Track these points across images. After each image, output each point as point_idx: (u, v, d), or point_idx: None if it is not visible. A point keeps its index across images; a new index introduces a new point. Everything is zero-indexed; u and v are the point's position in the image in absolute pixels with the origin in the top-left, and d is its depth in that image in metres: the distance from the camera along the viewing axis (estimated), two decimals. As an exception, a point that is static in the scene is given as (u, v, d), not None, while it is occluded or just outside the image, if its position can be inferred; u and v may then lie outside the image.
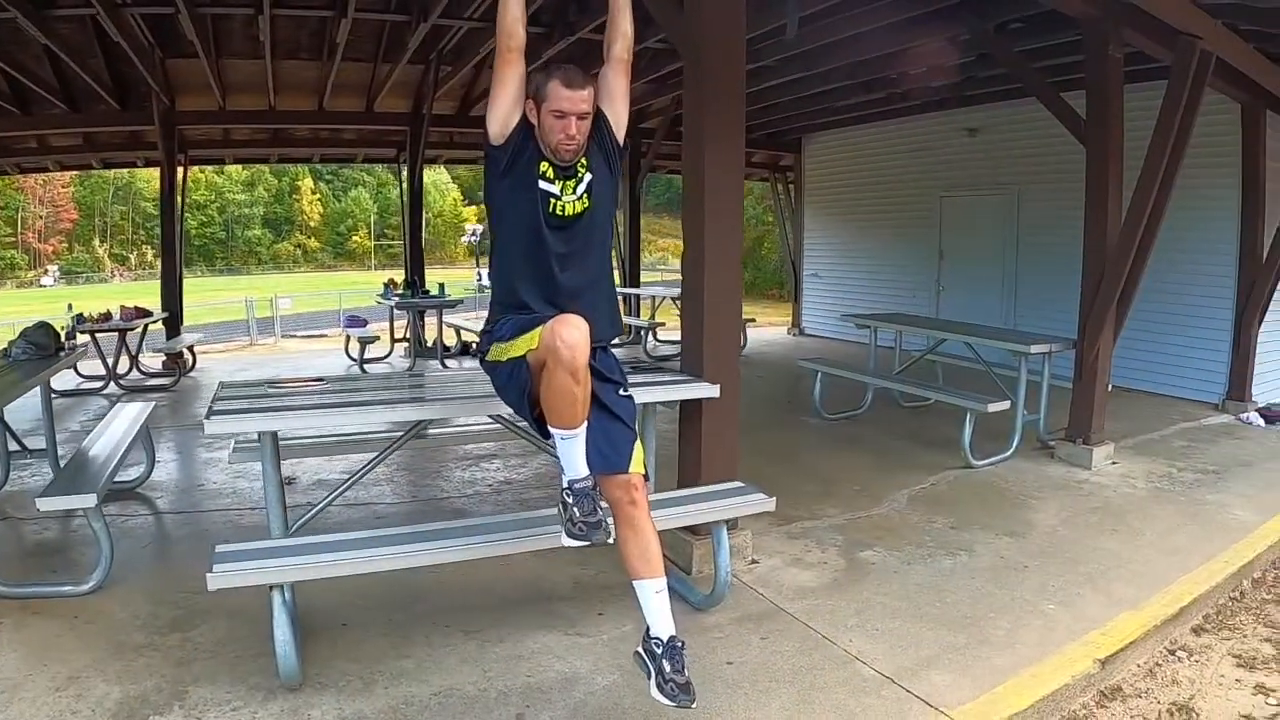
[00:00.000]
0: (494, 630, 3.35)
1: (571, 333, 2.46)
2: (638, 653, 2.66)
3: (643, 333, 12.84)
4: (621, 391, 2.83)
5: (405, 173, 12.61)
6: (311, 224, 72.09)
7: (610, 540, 2.61)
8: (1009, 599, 3.95)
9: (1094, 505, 5.47)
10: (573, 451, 2.61)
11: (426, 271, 12.89)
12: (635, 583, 2.69)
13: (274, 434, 3.16)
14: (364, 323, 11.79)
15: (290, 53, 8.61)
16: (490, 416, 3.68)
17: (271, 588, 2.81)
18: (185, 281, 11.42)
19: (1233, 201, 8.63)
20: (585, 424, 2.60)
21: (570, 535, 2.61)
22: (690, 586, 3.77)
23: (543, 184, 2.72)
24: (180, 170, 11.09)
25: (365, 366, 10.20)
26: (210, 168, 48.77)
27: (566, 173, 2.75)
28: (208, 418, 2.96)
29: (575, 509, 2.59)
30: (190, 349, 10.23)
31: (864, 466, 6.16)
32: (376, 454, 3.66)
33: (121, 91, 9.51)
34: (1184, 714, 3.27)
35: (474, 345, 3.01)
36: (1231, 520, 5.26)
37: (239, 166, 60.33)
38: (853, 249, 13.89)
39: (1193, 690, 3.46)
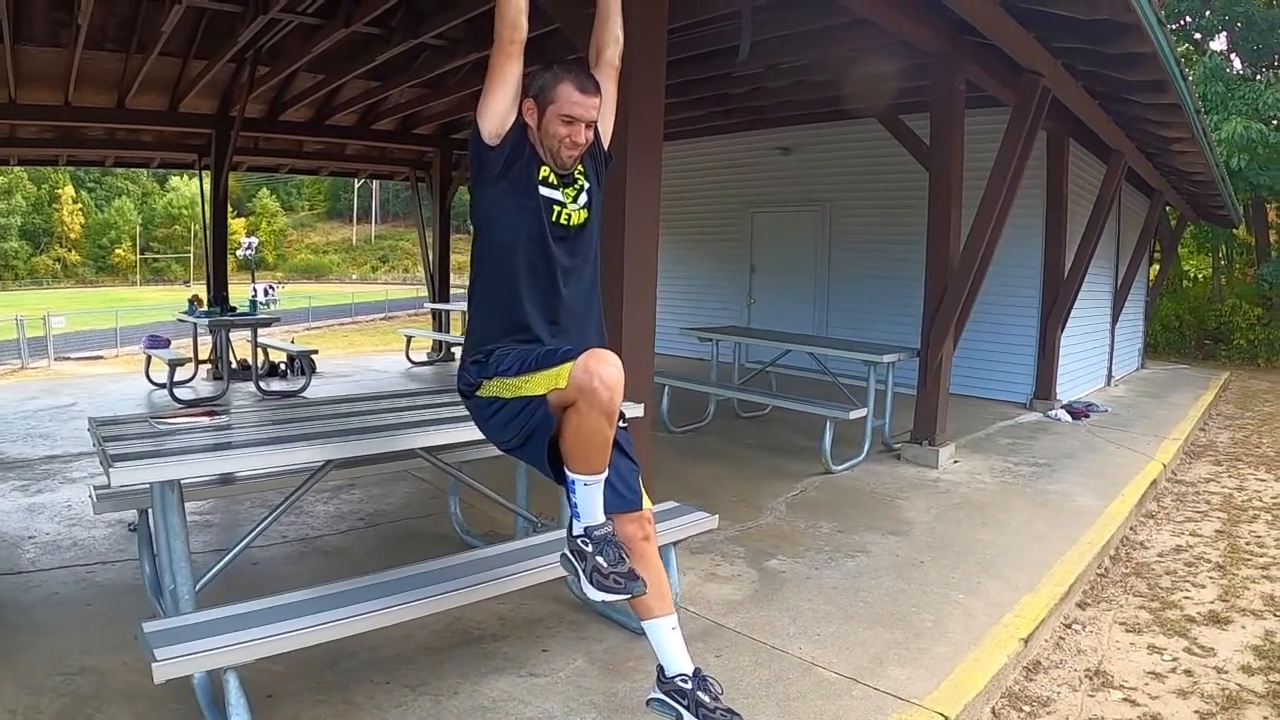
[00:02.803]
0: (440, 682, 3.04)
1: (611, 372, 2.24)
2: (657, 699, 2.50)
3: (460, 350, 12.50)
4: (621, 422, 2.62)
5: (208, 179, 11.56)
6: (72, 236, 65.79)
7: (646, 590, 2.40)
8: (921, 593, 4.15)
9: (955, 502, 5.81)
10: (593, 497, 2.39)
11: (199, 287, 11.83)
12: (648, 623, 2.53)
13: (179, 482, 2.71)
14: (167, 343, 10.72)
15: (95, 42, 7.67)
16: (420, 451, 3.36)
17: (226, 671, 2.39)
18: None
19: (1039, 221, 9.44)
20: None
21: (600, 588, 2.35)
22: (627, 614, 3.59)
23: (545, 190, 2.49)
24: None
25: (175, 391, 9.28)
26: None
27: (566, 180, 2.54)
28: (111, 465, 2.46)
29: (599, 559, 2.36)
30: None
31: (730, 477, 6.20)
32: (282, 499, 3.24)
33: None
34: (1100, 677, 3.64)
35: (461, 364, 2.61)
36: (1078, 507, 5.80)
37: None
38: (666, 262, 13.93)
39: (1099, 656, 3.86)
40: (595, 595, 2.37)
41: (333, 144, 13.04)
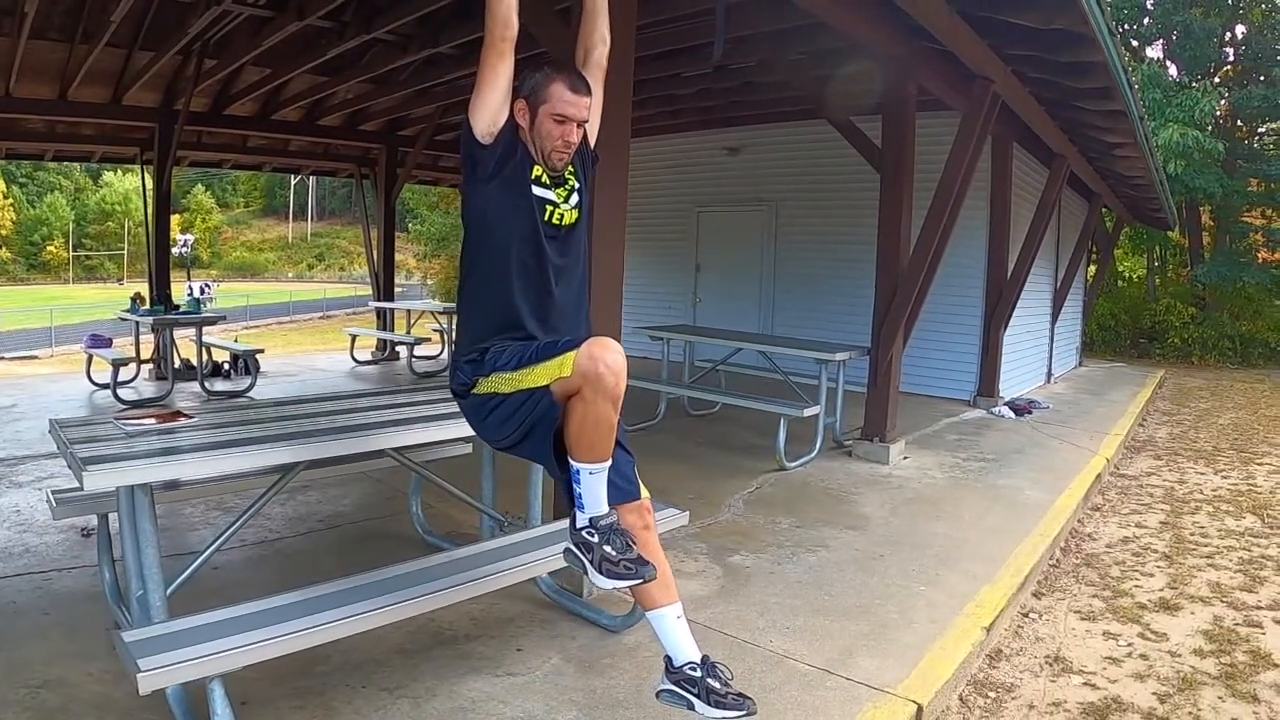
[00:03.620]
0: (417, 684, 3.02)
1: (615, 357, 2.25)
2: (668, 690, 2.51)
3: (406, 349, 12.71)
4: None
5: (150, 174, 11.28)
6: (3, 232, 63.57)
7: (656, 575, 2.42)
8: (884, 585, 4.25)
9: (908, 497, 5.94)
10: (598, 487, 2.39)
11: (136, 285, 11.53)
12: (654, 613, 2.54)
13: (151, 486, 2.65)
14: (109, 342, 10.46)
15: (39, 32, 7.44)
16: (391, 451, 3.34)
17: (210, 680, 2.34)
18: None
19: (983, 223, 9.66)
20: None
21: (611, 576, 2.35)
22: (598, 610, 3.63)
23: (538, 190, 2.50)
24: None
25: (118, 392, 9.05)
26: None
27: (558, 179, 2.56)
28: (84, 468, 2.39)
29: (608, 547, 2.36)
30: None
31: (686, 475, 6.25)
32: (251, 503, 3.19)
33: None
34: (1059, 663, 3.79)
35: (459, 367, 2.59)
36: (1028, 500, 5.99)
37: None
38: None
39: (1056, 644, 4.00)
40: (606, 584, 2.37)
41: (277, 139, 12.80)
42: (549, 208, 2.52)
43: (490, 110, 2.42)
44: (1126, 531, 5.87)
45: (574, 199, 2.60)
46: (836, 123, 7.43)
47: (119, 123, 10.50)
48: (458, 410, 2.72)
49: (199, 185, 70.11)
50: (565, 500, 2.51)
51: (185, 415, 3.07)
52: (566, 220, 2.57)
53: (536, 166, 2.51)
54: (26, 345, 20.21)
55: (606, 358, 2.24)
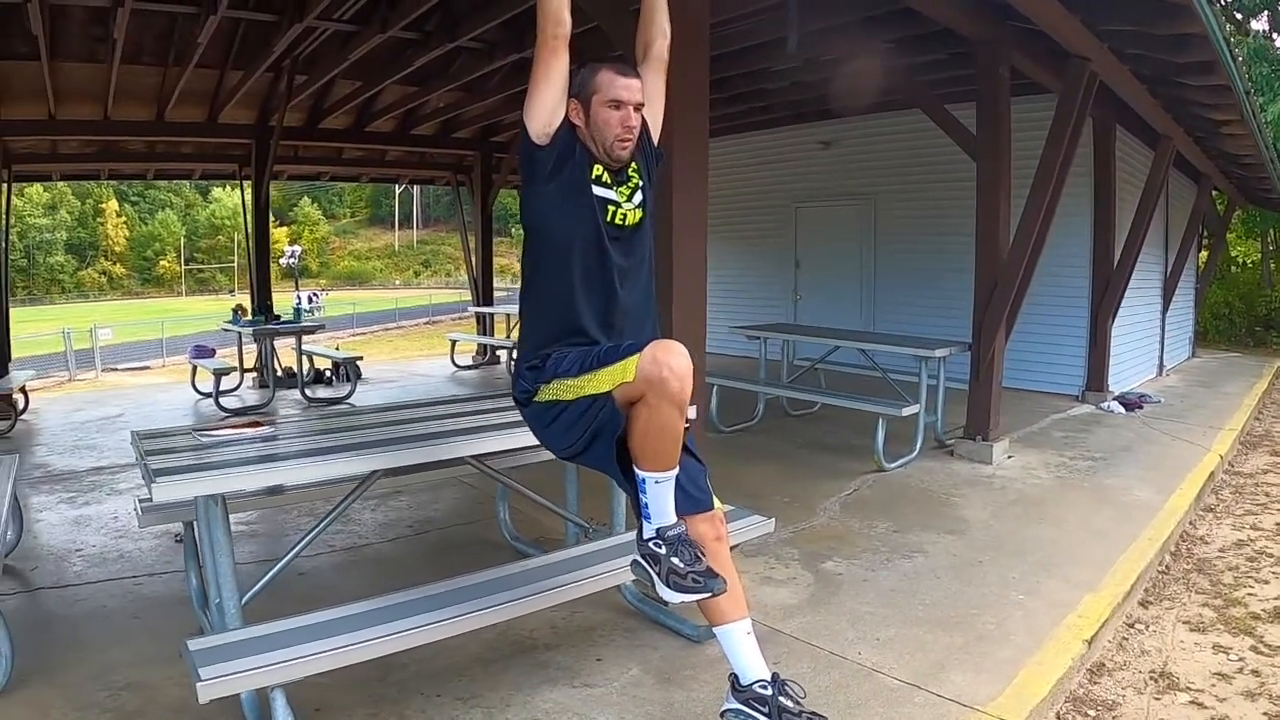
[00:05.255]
0: (492, 694, 2.97)
1: (680, 361, 2.17)
2: (733, 709, 2.41)
3: (506, 353, 12.76)
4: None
5: (249, 189, 11.67)
6: (117, 249, 67.07)
7: (726, 588, 2.31)
8: (980, 594, 4.02)
9: (1011, 498, 5.67)
10: (664, 496, 2.31)
11: (244, 296, 11.89)
12: (721, 628, 2.43)
13: (223, 496, 2.66)
14: (212, 352, 10.85)
15: (132, 57, 7.73)
16: (474, 459, 3.29)
17: (272, 689, 2.33)
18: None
19: (1087, 209, 9.21)
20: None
21: (678, 589, 2.27)
22: (681, 619, 3.53)
23: (598, 189, 2.43)
24: (5, 189, 9.75)
25: (221, 400, 9.35)
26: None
27: (619, 178, 2.48)
28: (153, 480, 2.41)
29: (675, 559, 2.28)
30: (23, 389, 9.07)
31: (781, 476, 6.09)
32: (326, 513, 3.18)
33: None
34: (1165, 679, 3.53)
35: (512, 376, 2.57)
36: (1136, 501, 5.64)
37: (39, 187, 55.32)
38: (710, 261, 13.82)
39: (1163, 657, 3.74)
40: (673, 597, 2.29)
41: (372, 150, 13.09)
42: (611, 208, 2.45)
43: (545, 110, 2.37)
44: (1241, 534, 5.49)
45: (637, 198, 2.51)
46: (929, 110, 7.16)
47: (216, 140, 10.91)
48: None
49: (305, 197, 72.67)
50: (634, 510, 2.42)
51: (262, 425, 3.08)
52: (630, 220, 2.49)
53: (597, 165, 2.45)
54: (140, 356, 21.12)
55: (670, 361, 2.16)
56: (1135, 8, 5.16)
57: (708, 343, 4.64)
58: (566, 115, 2.41)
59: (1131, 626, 4.06)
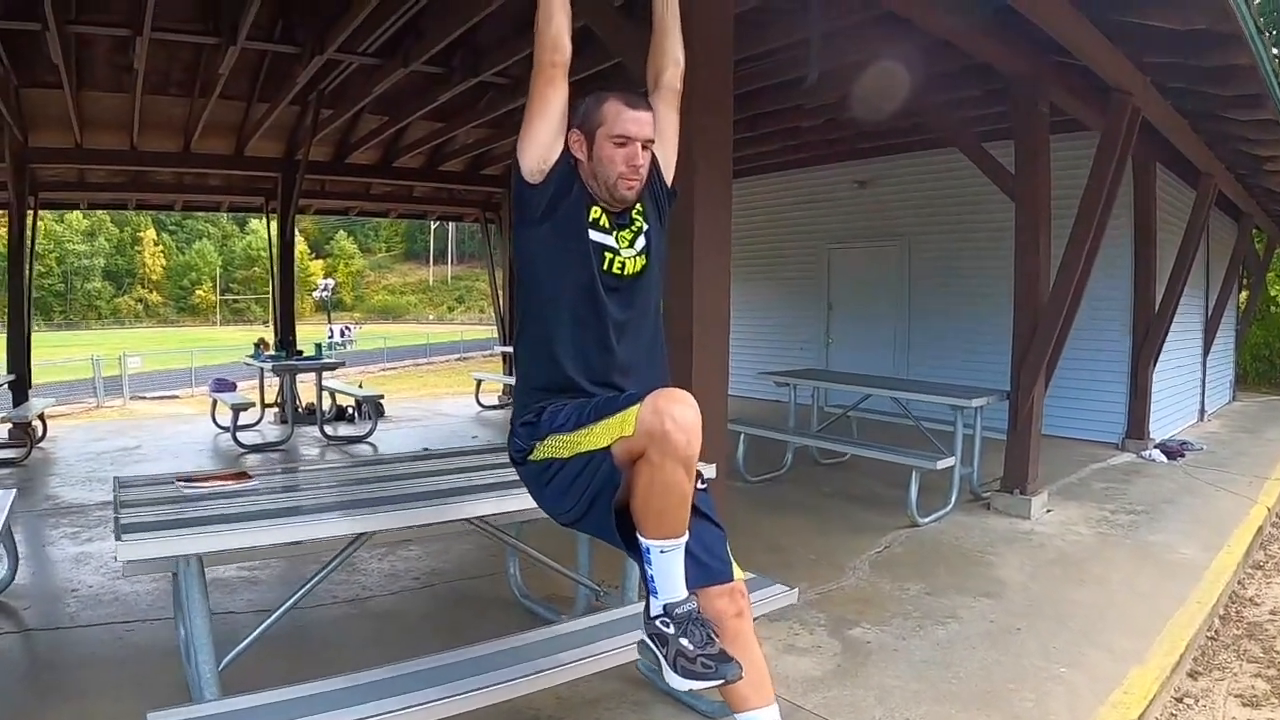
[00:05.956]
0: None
1: (685, 412, 1.92)
2: None
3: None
4: (700, 483, 2.24)
5: (274, 223, 11.64)
6: (154, 277, 68.33)
7: (742, 674, 2.03)
8: (1019, 666, 3.74)
9: (1050, 557, 5.38)
10: (672, 567, 2.03)
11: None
12: (745, 715, 2.16)
13: (201, 557, 2.47)
14: (233, 386, 10.77)
15: (158, 87, 7.74)
16: (473, 520, 3.06)
17: None
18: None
19: (1126, 250, 8.93)
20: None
21: (686, 675, 1.99)
22: (694, 695, 3.27)
23: (595, 234, 2.20)
24: (31, 215, 9.74)
25: (239, 436, 9.22)
26: (49, 214, 45.18)
27: (621, 221, 2.25)
28: (119, 537, 2.24)
29: (684, 640, 2.00)
30: (41, 416, 8.99)
31: (808, 530, 5.82)
32: (309, 578, 2.96)
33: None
34: None
35: (513, 431, 2.32)
36: (1181, 560, 5.35)
37: (79, 214, 56.63)
38: (740, 303, 13.64)
39: None
40: (681, 684, 2.01)
41: (400, 186, 13.06)
42: (608, 255, 2.21)
43: (540, 144, 2.17)
44: (1293, 595, 5.16)
45: (640, 243, 2.28)
46: (966, 149, 6.94)
47: (243, 173, 10.90)
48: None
49: (341, 231, 73.76)
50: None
51: (249, 477, 2.90)
52: (630, 269, 2.25)
53: (595, 207, 2.22)
54: (169, 385, 21.21)
55: (674, 411, 1.92)
56: (1182, 39, 4.95)
57: (734, 387, 4.40)
58: (566, 148, 2.21)
59: (1180, 701, 3.75)
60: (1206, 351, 12.15)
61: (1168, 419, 10.03)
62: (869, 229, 11.36)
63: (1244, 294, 15.90)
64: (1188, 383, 11.35)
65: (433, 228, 70.07)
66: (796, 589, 3.39)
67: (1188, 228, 9.19)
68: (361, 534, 2.74)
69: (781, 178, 12.11)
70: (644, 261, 2.28)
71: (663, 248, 2.36)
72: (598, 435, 2.03)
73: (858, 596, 4.60)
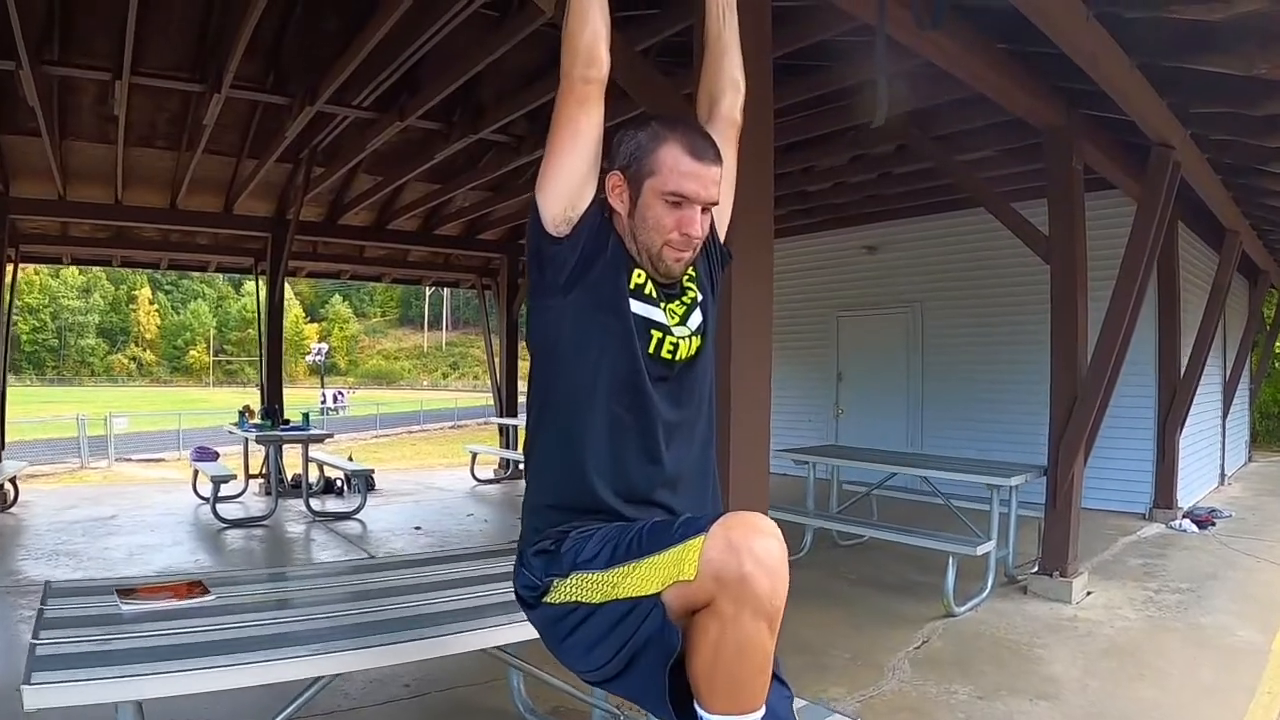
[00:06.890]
0: None
1: (769, 546, 1.44)
2: None
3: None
4: None
5: (263, 285, 11.19)
6: (148, 336, 68.19)
7: None
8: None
9: (1102, 647, 4.91)
10: None
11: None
12: None
13: (139, 705, 1.98)
14: (215, 455, 10.23)
15: (144, 139, 7.42)
16: (489, 651, 2.58)
17: None
18: (12, 390, 9.47)
19: (1150, 313, 8.57)
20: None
21: None
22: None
23: (639, 305, 1.69)
24: (11, 267, 9.29)
25: (219, 509, 8.69)
26: (45, 269, 44.96)
27: (670, 291, 1.74)
28: (27, 680, 1.77)
29: None
30: (12, 480, 8.47)
31: (839, 624, 5.31)
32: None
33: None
34: None
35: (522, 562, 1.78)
36: (1239, 644, 4.97)
37: (75, 270, 56.63)
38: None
39: None
40: None
41: (395, 249, 12.68)
42: (656, 333, 1.70)
43: (567, 184, 1.65)
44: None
45: (694, 320, 1.77)
46: (994, 209, 6.57)
47: (232, 231, 10.53)
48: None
49: (336, 295, 73.95)
50: None
51: (205, 590, 2.43)
52: (682, 353, 1.73)
53: (638, 271, 1.71)
54: (156, 447, 20.70)
55: (755, 547, 1.43)
56: (1236, 86, 4.62)
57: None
58: (601, 193, 1.71)
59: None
60: (1226, 413, 11.78)
61: (1191, 485, 9.62)
62: (879, 296, 11.02)
63: (1255, 353, 15.60)
64: (1209, 447, 10.97)
65: (428, 293, 69.99)
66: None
67: (1213, 287, 8.89)
68: (320, 678, 2.23)
69: (787, 243, 11.73)
70: (699, 342, 1.77)
71: (715, 323, 1.86)
72: (644, 577, 1.53)
73: (902, 704, 4.09)
